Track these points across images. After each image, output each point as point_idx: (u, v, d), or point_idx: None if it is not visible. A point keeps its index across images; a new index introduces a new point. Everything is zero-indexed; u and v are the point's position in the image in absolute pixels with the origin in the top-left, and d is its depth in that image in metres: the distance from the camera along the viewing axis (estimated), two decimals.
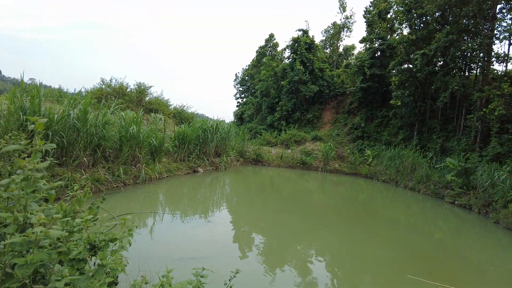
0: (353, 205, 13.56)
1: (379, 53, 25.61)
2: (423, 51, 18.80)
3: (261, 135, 28.94)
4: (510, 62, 17.31)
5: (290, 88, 30.70)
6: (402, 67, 21.91)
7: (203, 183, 14.44)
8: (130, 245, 3.02)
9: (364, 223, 10.61)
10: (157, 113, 18.80)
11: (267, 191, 14.60)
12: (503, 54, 17.74)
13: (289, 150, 24.03)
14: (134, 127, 12.26)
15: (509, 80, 17.04)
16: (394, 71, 23.12)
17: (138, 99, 20.90)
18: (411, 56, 20.59)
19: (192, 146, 15.94)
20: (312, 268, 6.41)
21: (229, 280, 2.67)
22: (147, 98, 21.84)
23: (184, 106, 24.57)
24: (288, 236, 8.53)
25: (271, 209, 11.20)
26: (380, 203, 14.78)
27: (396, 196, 16.19)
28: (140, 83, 21.40)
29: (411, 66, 20.97)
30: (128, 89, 21.07)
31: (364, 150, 23.33)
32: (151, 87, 21.92)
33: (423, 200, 15.13)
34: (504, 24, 16.77)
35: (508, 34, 16.41)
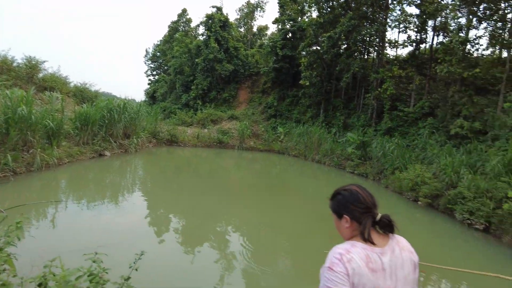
0: (267, 179, 14.20)
1: (290, 35, 26.61)
2: (329, 34, 20.12)
3: (175, 115, 27.99)
4: (399, 48, 19.71)
5: (205, 66, 30.09)
6: (311, 49, 23.20)
7: (111, 167, 13.44)
8: (19, 240, 2.65)
9: (278, 196, 11.22)
10: (54, 92, 16.58)
11: (184, 172, 14.33)
12: (394, 41, 20.05)
13: (206, 130, 23.82)
14: (24, 107, 10.62)
15: (398, 64, 19.43)
16: (303, 53, 24.35)
17: (28, 76, 18.03)
18: (319, 38, 21.90)
19: (96, 127, 14.54)
20: (231, 244, 6.56)
21: (134, 263, 2.54)
22: (41, 75, 19.01)
23: (86, 84, 22.12)
24: (206, 214, 8.55)
25: (188, 190, 11.04)
26: (291, 176, 15.78)
27: (305, 169, 17.46)
28: (30, 57, 18.44)
29: (318, 48, 22.34)
30: (15, 64, 18.03)
31: (277, 127, 24.43)
32: (44, 62, 19.08)
33: (328, 171, 16.62)
34: (395, 14, 18.89)
35: (397, 23, 18.53)
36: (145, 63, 46.44)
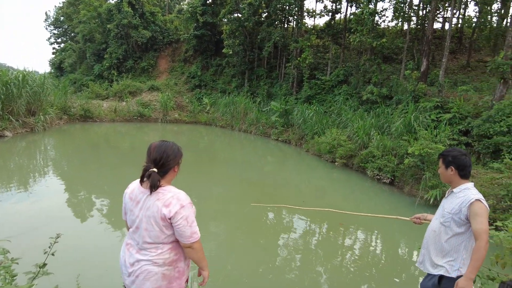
0: (195, 151, 14.00)
1: (210, 0, 25.58)
2: (249, 1, 19.83)
3: (88, 88, 25.39)
4: (317, 18, 20.41)
5: (118, 33, 27.50)
6: (232, 16, 22.69)
7: (15, 148, 11.84)
8: None
9: (207, 167, 11.20)
10: None
11: (102, 149, 13.32)
12: (311, 10, 20.66)
13: (124, 103, 22.19)
14: None
15: (315, 33, 20.20)
16: (225, 20, 23.75)
17: None
18: (240, 5, 21.49)
19: None
20: None
21: (49, 247, 2.33)
22: None
23: None
24: None
25: (109, 167, 10.34)
26: (219, 147, 15.82)
27: (233, 139, 17.65)
28: None
29: (240, 15, 21.97)
30: None
31: (202, 98, 23.93)
32: None
33: (254, 140, 17.05)
34: None
35: None
36: (46, 28, 40.68)
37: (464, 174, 2.39)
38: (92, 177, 9.19)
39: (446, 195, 2.55)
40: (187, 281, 2.11)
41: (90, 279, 3.05)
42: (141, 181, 1.96)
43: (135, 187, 2.00)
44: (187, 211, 1.91)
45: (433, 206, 7.57)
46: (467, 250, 2.32)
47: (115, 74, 27.58)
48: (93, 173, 9.67)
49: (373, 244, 6.28)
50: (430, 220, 2.70)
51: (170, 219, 1.86)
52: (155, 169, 1.89)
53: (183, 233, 1.89)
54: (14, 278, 2.39)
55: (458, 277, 2.30)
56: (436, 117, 10.83)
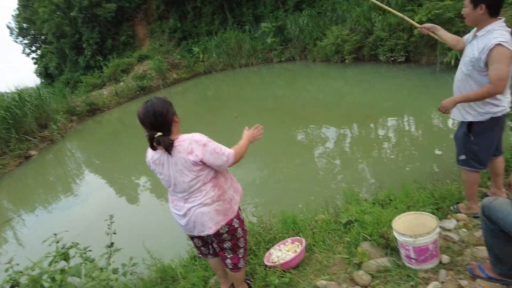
0: (206, 102, 13.91)
1: None
2: None
3: (82, 82, 25.08)
4: None
5: (85, 17, 26.11)
6: None
7: (46, 163, 12.30)
8: None
9: (222, 113, 11.19)
10: None
11: (122, 133, 13.58)
12: None
13: (121, 83, 21.88)
14: None
15: None
16: None
17: None
18: None
19: (3, 133, 12.73)
20: None
21: (108, 228, 2.51)
22: None
23: None
24: None
25: (134, 148, 10.59)
26: (226, 90, 15.57)
27: (237, 77, 17.24)
28: None
29: None
30: None
31: (192, 49, 23.02)
32: None
33: (258, 70, 16.57)
34: None
35: None
36: (16, 41, 39.23)
37: (496, 10, 2.03)
38: (125, 162, 9.51)
39: (468, 39, 2.29)
40: (239, 208, 2.23)
41: (154, 242, 3.32)
42: (153, 149, 1.98)
43: (152, 153, 2.05)
44: (211, 145, 1.94)
45: (455, 67, 7.22)
46: None
47: (101, 59, 26.80)
48: (124, 158, 9.98)
49: (406, 127, 6.21)
50: (438, 35, 2.59)
51: (201, 161, 1.91)
52: (159, 133, 1.87)
53: (220, 161, 1.96)
54: (93, 261, 2.62)
55: (487, 120, 2.19)
56: None
